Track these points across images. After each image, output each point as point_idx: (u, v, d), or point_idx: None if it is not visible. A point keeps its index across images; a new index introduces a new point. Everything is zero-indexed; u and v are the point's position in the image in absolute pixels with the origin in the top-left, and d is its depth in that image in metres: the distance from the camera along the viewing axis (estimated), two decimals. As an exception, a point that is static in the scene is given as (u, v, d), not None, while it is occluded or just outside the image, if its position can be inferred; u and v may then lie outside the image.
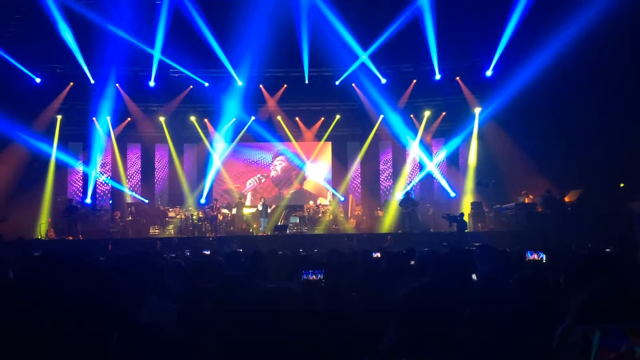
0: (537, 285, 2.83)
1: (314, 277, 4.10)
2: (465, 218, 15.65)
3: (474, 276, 3.78)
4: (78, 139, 19.88)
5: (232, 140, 20.73)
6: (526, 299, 2.75)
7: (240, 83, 18.96)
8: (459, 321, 1.99)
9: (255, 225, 18.91)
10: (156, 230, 18.21)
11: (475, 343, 2.33)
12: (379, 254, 7.23)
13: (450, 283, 3.13)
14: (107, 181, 20.14)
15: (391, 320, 2.11)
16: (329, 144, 21.38)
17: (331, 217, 19.19)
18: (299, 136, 21.02)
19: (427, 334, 1.91)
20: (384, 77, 18.95)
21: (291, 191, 21.11)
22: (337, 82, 19.32)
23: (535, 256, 4.77)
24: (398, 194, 19.28)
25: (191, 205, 19.68)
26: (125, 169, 20.36)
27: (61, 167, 19.22)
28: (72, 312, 1.74)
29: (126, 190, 20.03)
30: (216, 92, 19.31)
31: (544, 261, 4.74)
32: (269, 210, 18.77)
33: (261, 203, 18.42)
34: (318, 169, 21.26)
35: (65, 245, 15.04)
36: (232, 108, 19.48)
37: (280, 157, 21.36)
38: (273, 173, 21.39)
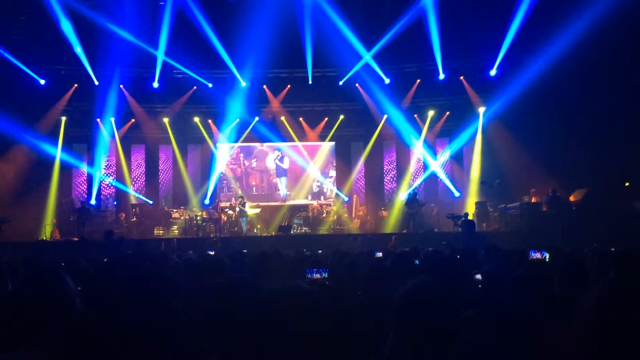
0: (539, 284, 2.82)
1: (318, 275, 4.11)
2: (470, 218, 15.59)
3: (478, 276, 3.77)
4: (82, 140, 19.95)
5: (236, 141, 20.74)
6: (527, 298, 2.74)
7: (243, 84, 18.96)
8: (457, 319, 1.98)
9: (259, 226, 18.91)
10: (160, 231, 18.24)
11: (475, 341, 2.32)
12: (381, 254, 7.25)
13: (451, 281, 3.12)
14: (112, 182, 20.19)
15: (391, 319, 2.11)
16: (333, 144, 21.33)
17: (335, 217, 19.18)
18: (302, 136, 21.01)
19: (425, 332, 1.91)
20: (387, 77, 18.92)
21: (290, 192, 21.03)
22: (340, 83, 19.30)
23: (538, 255, 4.75)
24: (403, 194, 19.26)
25: (195, 206, 19.72)
26: (130, 170, 20.40)
27: (66, 169, 19.23)
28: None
29: (130, 191, 20.08)
30: (220, 93, 19.31)
31: (547, 260, 4.72)
32: (247, 209, 18.26)
33: (239, 202, 18.09)
34: (317, 168, 21.21)
35: (72, 246, 15.03)
36: (235, 109, 19.49)
37: (279, 154, 21.15)
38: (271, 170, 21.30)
